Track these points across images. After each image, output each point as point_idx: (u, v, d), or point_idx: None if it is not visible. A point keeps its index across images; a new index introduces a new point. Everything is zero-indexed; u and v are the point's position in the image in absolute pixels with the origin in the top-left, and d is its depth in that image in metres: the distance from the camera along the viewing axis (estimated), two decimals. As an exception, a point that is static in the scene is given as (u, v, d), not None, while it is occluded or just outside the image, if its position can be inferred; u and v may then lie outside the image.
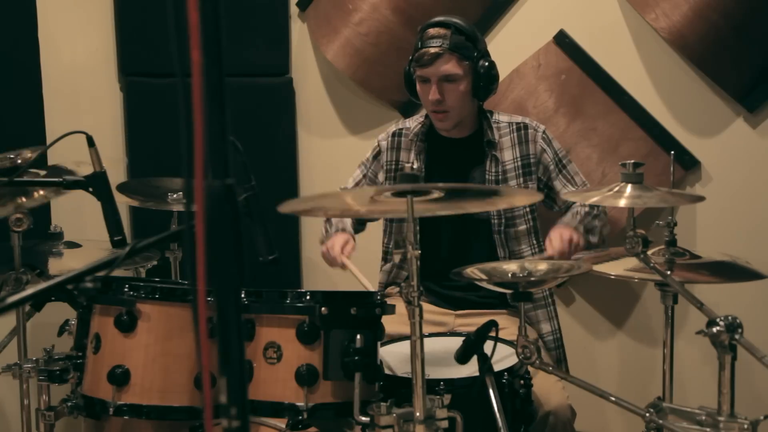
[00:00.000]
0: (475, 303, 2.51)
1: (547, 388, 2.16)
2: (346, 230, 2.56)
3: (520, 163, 2.51)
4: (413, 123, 2.62)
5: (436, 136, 2.57)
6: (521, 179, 2.50)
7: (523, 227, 2.50)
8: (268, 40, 3.12)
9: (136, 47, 3.09)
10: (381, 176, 2.64)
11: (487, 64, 2.44)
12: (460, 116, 2.49)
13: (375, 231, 2.75)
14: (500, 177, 2.50)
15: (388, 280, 2.64)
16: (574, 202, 2.55)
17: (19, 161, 2.04)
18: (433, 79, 2.42)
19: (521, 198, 2.03)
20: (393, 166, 2.60)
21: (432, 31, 2.43)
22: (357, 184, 2.69)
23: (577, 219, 2.50)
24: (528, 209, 2.50)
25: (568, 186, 2.53)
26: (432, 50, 2.39)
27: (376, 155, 2.66)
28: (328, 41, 3.05)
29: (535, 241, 2.52)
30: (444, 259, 2.40)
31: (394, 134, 2.63)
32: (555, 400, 2.17)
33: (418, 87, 2.48)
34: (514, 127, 2.54)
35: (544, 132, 2.55)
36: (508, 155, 2.51)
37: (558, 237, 2.37)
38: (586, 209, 2.52)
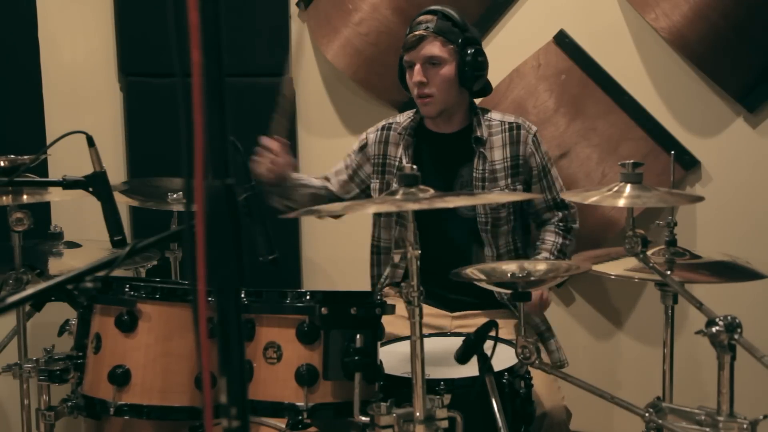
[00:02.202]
0: (470, 304, 2.50)
1: (542, 389, 2.16)
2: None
3: (509, 163, 2.49)
4: (403, 118, 2.62)
5: (426, 131, 2.57)
6: (509, 180, 2.49)
7: (504, 227, 2.51)
8: (268, 40, 3.13)
9: (136, 47, 3.09)
10: (368, 168, 2.62)
11: (473, 50, 2.44)
12: (445, 103, 2.47)
13: (365, 227, 2.73)
14: (488, 176, 2.49)
15: (385, 281, 2.62)
16: (547, 213, 2.57)
17: (19, 161, 2.04)
18: (417, 61, 2.43)
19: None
20: (380, 160, 2.59)
21: (420, 17, 2.47)
22: (336, 173, 2.69)
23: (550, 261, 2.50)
24: (511, 209, 2.50)
25: (546, 193, 2.54)
26: (417, 33, 2.42)
27: (362, 147, 2.64)
28: (328, 41, 3.05)
29: (510, 240, 2.53)
30: (435, 259, 2.38)
31: (383, 128, 2.63)
32: (550, 400, 2.17)
33: (406, 74, 2.50)
34: (506, 126, 2.52)
35: (535, 135, 2.53)
36: (498, 155, 2.50)
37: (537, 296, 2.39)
38: (559, 243, 2.54)
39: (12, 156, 2.04)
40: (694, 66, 2.78)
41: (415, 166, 1.62)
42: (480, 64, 2.46)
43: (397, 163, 2.55)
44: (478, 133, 2.50)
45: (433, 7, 2.47)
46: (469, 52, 2.43)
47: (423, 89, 2.44)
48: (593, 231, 2.81)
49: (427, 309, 2.44)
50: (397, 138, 2.58)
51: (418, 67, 2.43)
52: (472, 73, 2.45)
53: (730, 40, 2.69)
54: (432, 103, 2.46)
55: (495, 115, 2.56)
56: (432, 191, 1.61)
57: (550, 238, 2.55)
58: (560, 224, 2.56)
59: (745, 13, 2.65)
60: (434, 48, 2.42)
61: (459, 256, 2.43)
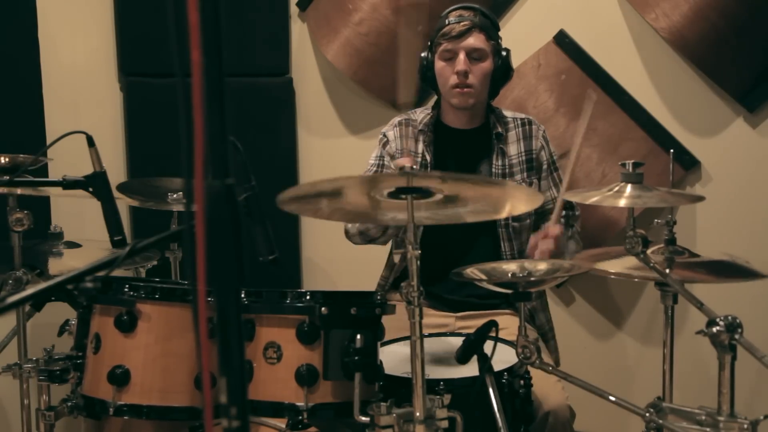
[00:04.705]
0: (476, 305, 2.51)
1: (546, 388, 2.16)
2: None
3: (524, 158, 2.53)
4: (420, 114, 2.61)
5: (444, 127, 2.58)
6: (525, 174, 2.52)
7: (527, 221, 2.52)
8: (268, 40, 3.12)
9: (136, 47, 3.09)
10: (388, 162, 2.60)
11: (506, 53, 2.51)
12: (479, 97, 2.50)
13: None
14: (507, 171, 2.51)
15: (394, 277, 2.61)
16: (550, 211, 2.56)
17: (19, 161, 2.04)
18: (461, 52, 2.44)
19: (524, 198, 1.96)
20: (400, 155, 2.56)
21: (458, 11, 2.49)
22: None
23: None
24: None
25: (552, 189, 2.57)
26: (463, 23, 2.44)
27: (384, 144, 2.61)
28: (328, 41, 3.05)
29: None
30: (448, 259, 2.38)
31: (400, 123, 2.61)
32: (554, 400, 2.17)
33: (439, 66, 2.49)
34: (519, 122, 2.57)
35: (544, 131, 2.59)
36: (514, 149, 2.53)
37: (542, 236, 2.34)
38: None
39: (12, 155, 2.04)
40: (694, 66, 2.78)
41: (415, 167, 1.61)
42: (510, 67, 2.52)
43: (420, 160, 2.54)
44: (499, 129, 2.53)
45: (469, 4, 2.50)
46: (504, 51, 2.50)
47: (464, 79, 2.45)
48: (593, 231, 2.81)
49: (429, 311, 2.46)
50: (416, 134, 2.57)
51: (462, 56, 2.44)
52: (505, 73, 2.51)
53: (730, 40, 2.69)
54: (470, 94, 2.47)
55: (507, 113, 2.60)
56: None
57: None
58: (561, 220, 2.57)
59: (745, 13, 2.65)
60: (479, 41, 2.45)
61: (472, 254, 2.41)
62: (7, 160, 2.02)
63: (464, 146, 2.56)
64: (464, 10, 2.48)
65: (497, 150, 2.52)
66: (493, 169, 2.51)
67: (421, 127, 2.57)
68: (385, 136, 2.62)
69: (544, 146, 2.56)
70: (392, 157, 2.57)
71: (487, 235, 2.51)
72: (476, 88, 2.46)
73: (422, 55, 2.53)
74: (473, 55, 2.45)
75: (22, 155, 2.04)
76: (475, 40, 2.44)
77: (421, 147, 2.55)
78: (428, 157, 2.52)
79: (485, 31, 2.46)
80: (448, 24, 2.46)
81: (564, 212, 2.57)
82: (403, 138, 2.58)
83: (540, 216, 2.61)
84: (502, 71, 2.50)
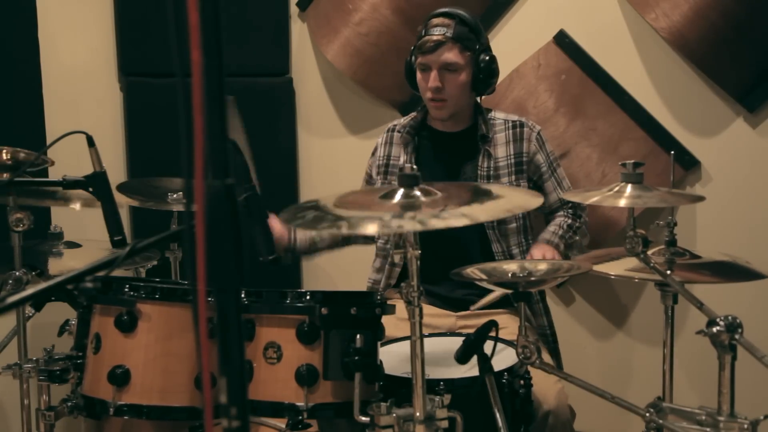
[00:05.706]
0: (475, 303, 2.51)
1: (546, 388, 2.16)
2: None
3: (513, 160, 2.51)
4: (406, 119, 2.63)
5: (429, 129, 2.58)
6: (513, 177, 2.50)
7: (513, 225, 2.51)
8: (268, 40, 3.12)
9: (136, 47, 3.09)
10: (374, 172, 2.64)
11: (488, 58, 2.46)
12: (456, 107, 2.49)
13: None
14: (492, 173, 2.49)
15: (386, 282, 2.61)
16: (558, 208, 2.59)
17: (20, 157, 2.04)
18: (434, 66, 2.43)
19: (521, 197, 1.96)
20: (384, 161, 2.61)
21: (436, 20, 2.45)
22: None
23: (558, 234, 2.54)
24: None
25: (557, 189, 2.56)
26: (435, 38, 2.41)
27: (373, 152, 2.68)
28: (328, 41, 3.05)
29: (523, 239, 2.53)
30: (441, 259, 2.39)
31: (388, 130, 2.65)
32: (554, 400, 2.17)
33: (418, 75, 2.49)
34: (510, 124, 2.54)
35: (539, 133, 2.56)
36: (502, 152, 2.51)
37: (540, 256, 2.39)
38: (569, 222, 2.57)
39: (13, 149, 2.04)
40: (694, 66, 2.78)
41: (415, 167, 1.61)
42: (493, 71, 2.49)
43: (398, 163, 2.55)
44: (484, 130, 2.51)
45: (448, 10, 2.46)
46: (485, 59, 2.45)
47: (438, 94, 2.44)
48: (593, 231, 2.81)
49: (430, 309, 2.46)
50: (399, 138, 2.59)
51: (434, 72, 2.42)
52: (486, 80, 2.48)
53: (730, 40, 2.69)
54: (445, 107, 2.47)
55: (498, 114, 2.57)
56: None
57: (558, 220, 2.58)
58: (569, 211, 2.59)
59: (745, 12, 2.65)
60: (452, 54, 2.42)
61: (464, 254, 2.42)
62: (8, 156, 2.02)
63: (448, 149, 2.56)
64: (444, 17, 2.44)
65: (483, 152, 2.51)
66: (479, 172, 2.50)
67: (400, 129, 2.59)
68: (376, 143, 2.67)
69: (539, 149, 2.53)
70: (376, 164, 2.62)
71: (477, 237, 2.51)
72: (451, 99, 2.46)
73: (407, 59, 2.53)
74: (448, 68, 2.43)
75: (23, 152, 2.04)
76: (448, 54, 2.41)
77: (401, 150, 2.57)
78: (403, 159, 2.54)
79: (460, 42, 2.41)
80: (425, 34, 2.43)
81: (570, 203, 2.58)
82: (388, 145, 2.62)
83: (546, 215, 2.62)
84: (485, 75, 2.46)
